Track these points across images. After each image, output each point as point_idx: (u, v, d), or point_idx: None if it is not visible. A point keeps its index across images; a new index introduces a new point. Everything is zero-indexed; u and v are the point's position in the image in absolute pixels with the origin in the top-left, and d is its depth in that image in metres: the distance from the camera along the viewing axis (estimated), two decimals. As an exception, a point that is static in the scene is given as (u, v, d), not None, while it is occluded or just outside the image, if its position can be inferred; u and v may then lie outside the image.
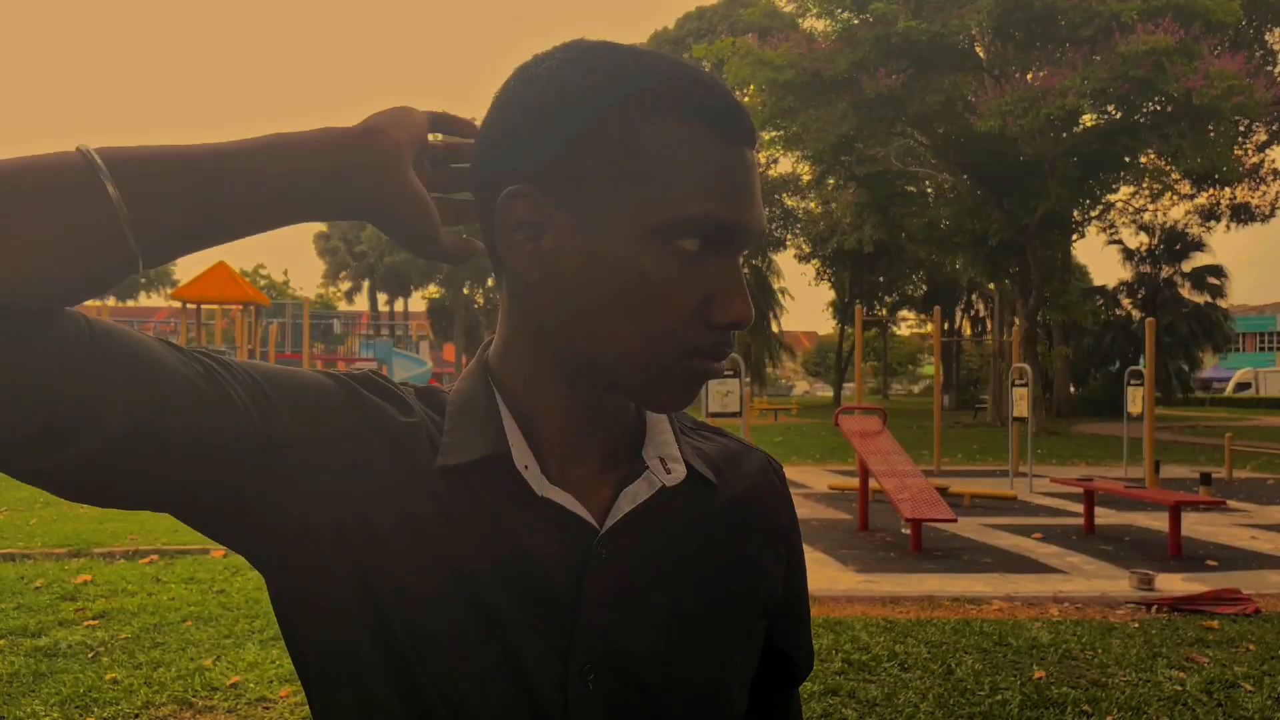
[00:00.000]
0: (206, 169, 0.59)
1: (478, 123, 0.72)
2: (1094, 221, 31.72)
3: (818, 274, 45.29)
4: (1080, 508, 9.67)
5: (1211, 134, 21.75)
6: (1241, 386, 55.98)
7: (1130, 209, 35.10)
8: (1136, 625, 5.62)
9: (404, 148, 0.65)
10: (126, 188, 0.56)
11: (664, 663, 0.71)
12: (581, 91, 0.65)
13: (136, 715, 4.08)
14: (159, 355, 0.61)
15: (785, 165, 38.78)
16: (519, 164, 0.66)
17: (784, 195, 42.07)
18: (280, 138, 0.63)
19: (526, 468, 0.69)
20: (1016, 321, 25.51)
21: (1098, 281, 44.42)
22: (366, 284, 56.13)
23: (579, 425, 0.72)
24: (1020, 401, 13.55)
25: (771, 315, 47.77)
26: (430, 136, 0.69)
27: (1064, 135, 23.25)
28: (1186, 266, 40.66)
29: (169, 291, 29.27)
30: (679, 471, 0.74)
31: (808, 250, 43.57)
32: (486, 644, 0.67)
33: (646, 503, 0.72)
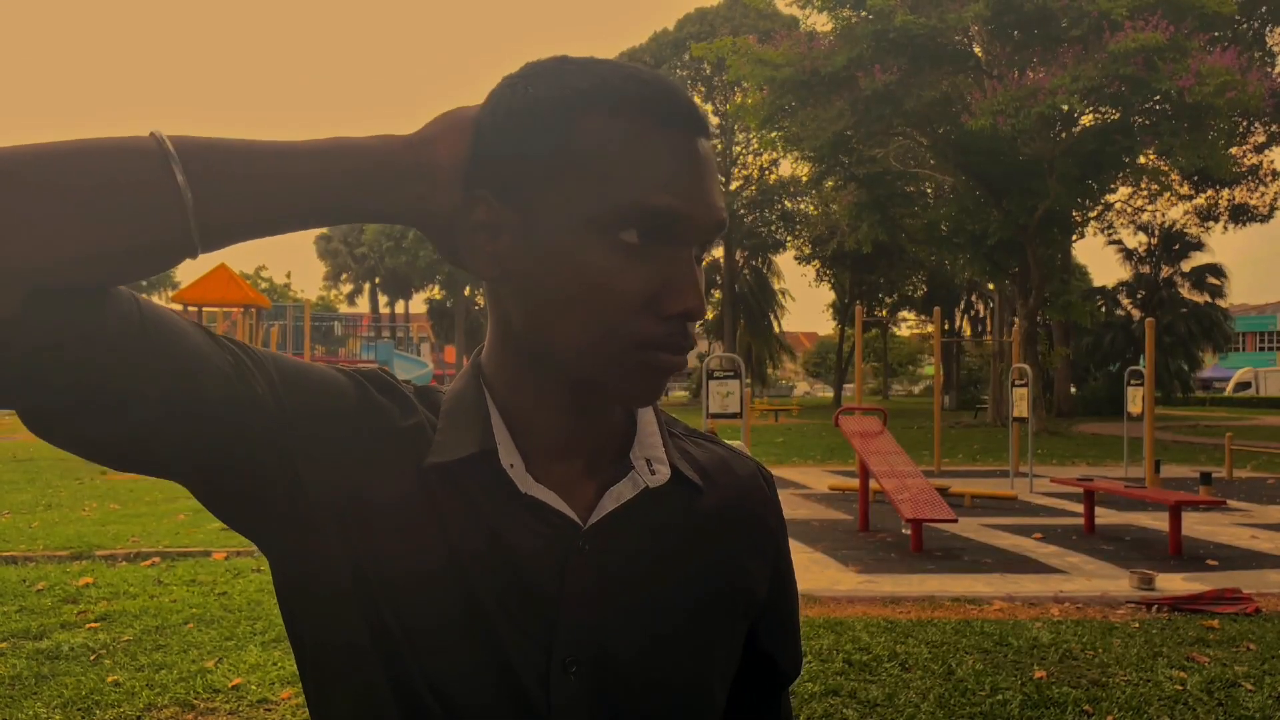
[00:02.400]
0: (273, 166, 0.62)
1: None
2: (1093, 221, 31.71)
3: (818, 275, 45.31)
4: (1080, 508, 9.67)
5: (1211, 133, 21.71)
6: (1241, 386, 56.00)
7: (1129, 209, 35.11)
8: (1137, 625, 5.63)
9: (457, 158, 0.68)
10: (194, 177, 0.58)
11: (645, 658, 0.73)
12: (525, 99, 0.68)
13: (138, 717, 4.09)
14: (198, 345, 0.63)
15: (786, 168, 38.86)
16: (481, 170, 0.69)
17: (783, 198, 42.09)
18: (341, 141, 0.65)
19: (512, 465, 0.71)
20: (1016, 322, 25.47)
21: (1097, 281, 44.48)
22: (368, 286, 56.18)
23: (560, 424, 0.73)
24: (1020, 401, 13.54)
25: (772, 316, 47.81)
26: None
27: (1062, 135, 23.23)
28: (1186, 266, 40.74)
29: (170, 294, 29.26)
30: (663, 472, 0.75)
31: (808, 251, 43.58)
32: (473, 637, 0.69)
33: (630, 502, 0.73)
